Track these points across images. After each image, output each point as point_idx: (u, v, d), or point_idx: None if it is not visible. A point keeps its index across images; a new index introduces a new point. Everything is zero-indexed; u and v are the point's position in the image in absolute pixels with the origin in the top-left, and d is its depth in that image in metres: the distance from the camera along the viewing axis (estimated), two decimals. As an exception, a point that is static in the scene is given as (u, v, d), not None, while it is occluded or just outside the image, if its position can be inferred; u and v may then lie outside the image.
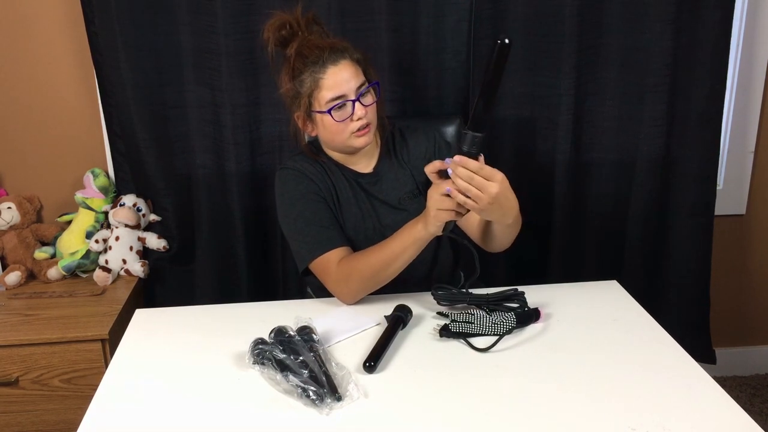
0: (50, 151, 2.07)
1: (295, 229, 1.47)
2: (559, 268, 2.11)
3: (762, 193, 2.31)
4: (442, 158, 1.44)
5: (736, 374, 2.49)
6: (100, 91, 1.96)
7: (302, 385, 1.10)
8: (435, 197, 1.26)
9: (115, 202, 2.02)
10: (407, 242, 1.33)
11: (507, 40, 1.09)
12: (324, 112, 1.40)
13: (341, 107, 1.40)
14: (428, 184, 1.52)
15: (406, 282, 1.42)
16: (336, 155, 1.53)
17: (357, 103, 1.40)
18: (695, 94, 2.02)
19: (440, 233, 1.29)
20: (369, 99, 1.43)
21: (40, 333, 1.71)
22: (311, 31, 1.45)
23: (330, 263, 1.41)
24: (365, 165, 1.54)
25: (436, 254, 1.57)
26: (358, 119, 1.41)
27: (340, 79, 1.38)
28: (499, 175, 1.20)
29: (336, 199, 1.50)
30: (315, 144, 1.56)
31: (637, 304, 1.42)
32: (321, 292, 1.65)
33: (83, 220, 2.03)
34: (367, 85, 1.42)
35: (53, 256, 2.02)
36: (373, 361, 1.18)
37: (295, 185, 1.48)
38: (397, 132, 1.59)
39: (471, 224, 1.49)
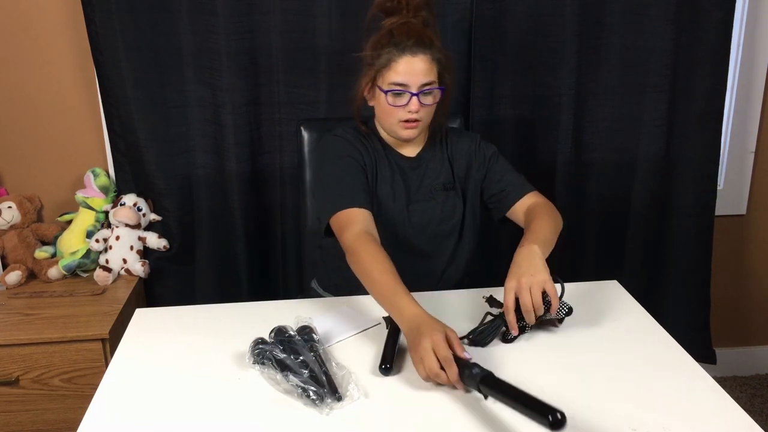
0: (50, 151, 2.07)
1: (325, 183, 1.49)
2: (559, 268, 2.11)
3: (762, 193, 2.32)
4: (481, 159, 1.57)
5: (736, 374, 2.49)
6: (100, 91, 1.96)
7: (302, 385, 1.10)
8: (423, 356, 1.12)
9: (115, 202, 2.02)
10: (392, 311, 1.23)
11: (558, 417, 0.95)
12: (383, 90, 1.45)
13: (399, 94, 1.44)
14: (465, 180, 1.58)
15: (419, 281, 1.40)
16: (385, 135, 1.57)
17: (414, 98, 1.44)
18: (696, 94, 2.02)
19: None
20: (429, 99, 1.46)
21: (41, 332, 1.71)
22: (417, 14, 1.47)
23: (349, 222, 1.39)
24: (411, 150, 1.58)
25: (454, 254, 1.60)
26: (409, 112, 1.45)
27: (409, 69, 1.42)
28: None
29: (374, 175, 1.53)
30: (370, 122, 1.60)
31: (638, 304, 1.42)
32: (329, 281, 1.65)
33: (84, 219, 2.03)
34: (433, 86, 1.45)
35: (54, 255, 2.02)
36: (389, 363, 1.17)
37: (339, 146, 1.52)
38: (443, 131, 1.62)
39: (517, 214, 1.54)
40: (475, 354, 1.23)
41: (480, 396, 1.09)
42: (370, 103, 1.54)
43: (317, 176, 1.53)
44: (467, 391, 1.11)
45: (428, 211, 1.55)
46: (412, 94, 1.43)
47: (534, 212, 1.49)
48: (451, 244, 1.58)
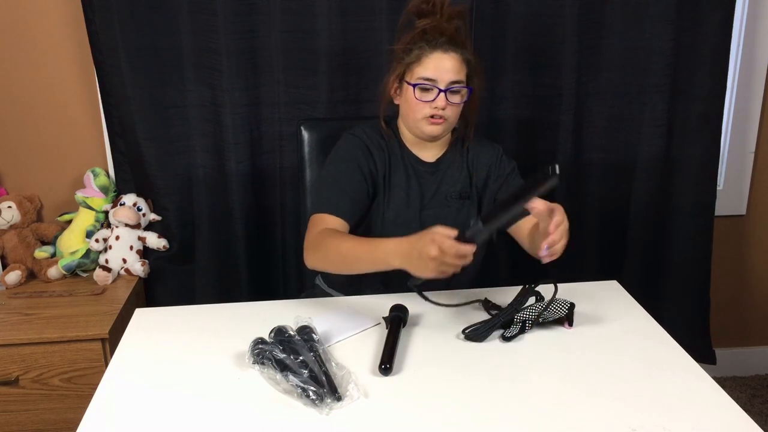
0: (50, 151, 2.07)
1: (321, 183, 1.51)
2: (559, 268, 2.11)
3: (762, 193, 2.32)
4: (500, 172, 1.56)
5: (736, 374, 2.49)
6: (100, 91, 1.96)
7: (302, 385, 1.10)
8: (430, 250, 1.16)
9: (115, 202, 2.02)
10: (377, 260, 1.26)
11: (557, 170, 1.03)
12: (410, 84, 1.45)
13: (427, 89, 1.44)
14: (482, 191, 1.58)
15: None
16: (408, 136, 1.56)
17: (442, 94, 1.44)
18: (696, 95, 2.02)
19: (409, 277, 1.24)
20: (456, 98, 1.46)
21: (40, 332, 1.71)
22: (450, 22, 1.48)
23: (320, 224, 1.41)
24: (430, 155, 1.57)
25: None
26: (435, 108, 1.44)
27: (439, 65, 1.43)
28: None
29: (387, 180, 1.52)
30: (393, 122, 1.59)
31: (637, 304, 1.42)
32: (337, 277, 1.64)
33: (83, 219, 2.03)
34: (461, 85, 1.45)
35: (53, 255, 2.02)
36: (388, 363, 1.17)
37: (350, 148, 1.52)
38: (470, 137, 1.61)
39: (521, 231, 1.50)
40: (473, 350, 1.23)
41: (482, 393, 1.08)
42: (396, 101, 1.53)
43: (320, 173, 1.53)
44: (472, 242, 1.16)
45: (441, 218, 1.51)
46: (440, 90, 1.43)
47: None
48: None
